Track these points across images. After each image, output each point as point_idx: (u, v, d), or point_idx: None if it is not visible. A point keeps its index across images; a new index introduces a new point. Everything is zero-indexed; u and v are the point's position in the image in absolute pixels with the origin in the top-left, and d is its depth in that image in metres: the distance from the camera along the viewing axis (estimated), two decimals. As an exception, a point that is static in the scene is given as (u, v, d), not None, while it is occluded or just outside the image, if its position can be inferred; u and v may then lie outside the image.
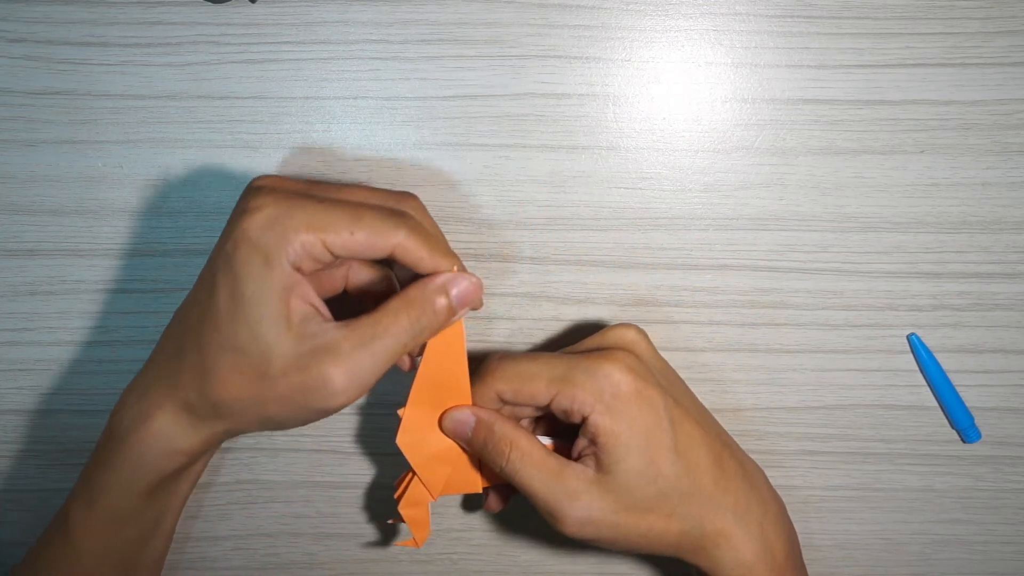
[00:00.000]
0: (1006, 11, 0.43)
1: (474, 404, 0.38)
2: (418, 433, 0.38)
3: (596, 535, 0.37)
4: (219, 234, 0.44)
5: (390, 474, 0.47)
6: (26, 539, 0.47)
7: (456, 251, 0.45)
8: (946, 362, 0.45)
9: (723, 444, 0.39)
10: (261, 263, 0.32)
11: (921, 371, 0.45)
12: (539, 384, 0.37)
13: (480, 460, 0.40)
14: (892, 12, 0.43)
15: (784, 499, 0.41)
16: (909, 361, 0.45)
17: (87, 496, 0.37)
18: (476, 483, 0.40)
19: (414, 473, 0.39)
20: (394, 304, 0.34)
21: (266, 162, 0.44)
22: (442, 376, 0.37)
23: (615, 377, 0.36)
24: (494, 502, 0.42)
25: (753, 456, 0.41)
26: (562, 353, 0.39)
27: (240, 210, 0.34)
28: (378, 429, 0.46)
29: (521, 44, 0.44)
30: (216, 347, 0.33)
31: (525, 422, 0.41)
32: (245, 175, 0.44)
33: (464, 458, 0.40)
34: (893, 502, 0.46)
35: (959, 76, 0.44)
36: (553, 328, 0.45)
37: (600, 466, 0.36)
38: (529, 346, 0.46)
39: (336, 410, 0.34)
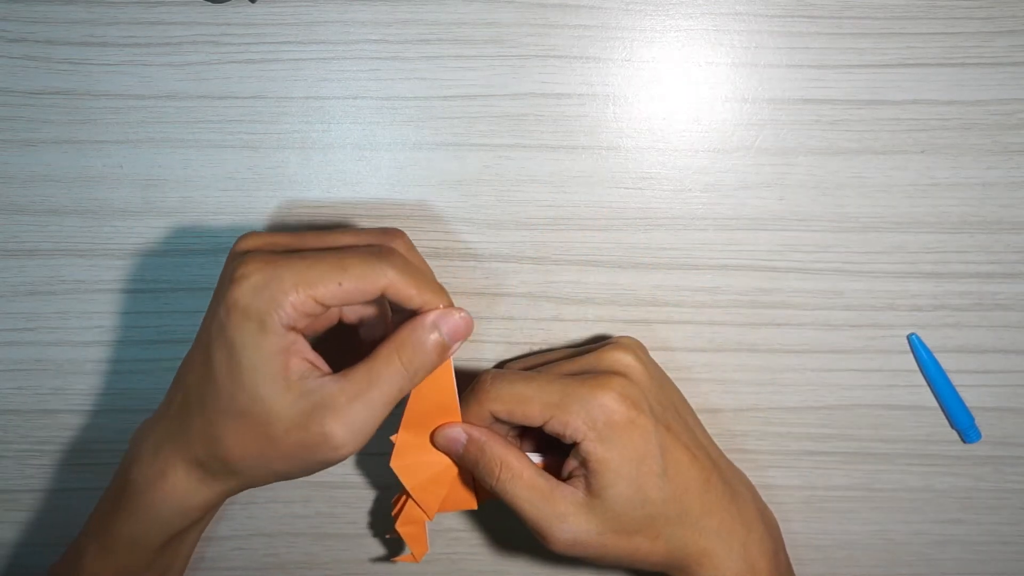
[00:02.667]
0: (1006, 11, 0.43)
1: (466, 421, 0.39)
2: (412, 456, 0.39)
3: (583, 554, 0.38)
4: (219, 234, 0.45)
5: (390, 474, 0.47)
6: (26, 539, 0.47)
7: (456, 251, 0.45)
8: (946, 362, 0.45)
9: (712, 466, 0.40)
10: (255, 330, 0.33)
11: (921, 371, 0.45)
12: (533, 408, 0.37)
13: (473, 476, 0.40)
14: (892, 12, 0.43)
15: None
16: (909, 361, 0.45)
17: (102, 542, 0.38)
18: (471, 501, 0.41)
19: (409, 495, 0.40)
20: (386, 350, 0.35)
21: (266, 162, 0.44)
22: (433, 398, 0.38)
23: (609, 407, 0.37)
24: None
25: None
26: (556, 374, 0.39)
27: (228, 278, 0.34)
28: (378, 429, 0.46)
29: (521, 44, 0.44)
30: (219, 413, 0.34)
31: (515, 432, 0.41)
32: (245, 175, 0.44)
33: (458, 477, 0.40)
34: (893, 502, 0.46)
35: (959, 76, 0.44)
36: (553, 328, 0.45)
37: (590, 489, 0.37)
38: (529, 347, 0.46)
39: (341, 460, 0.35)
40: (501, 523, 0.47)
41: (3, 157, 0.44)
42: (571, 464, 0.38)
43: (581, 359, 0.40)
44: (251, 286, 0.33)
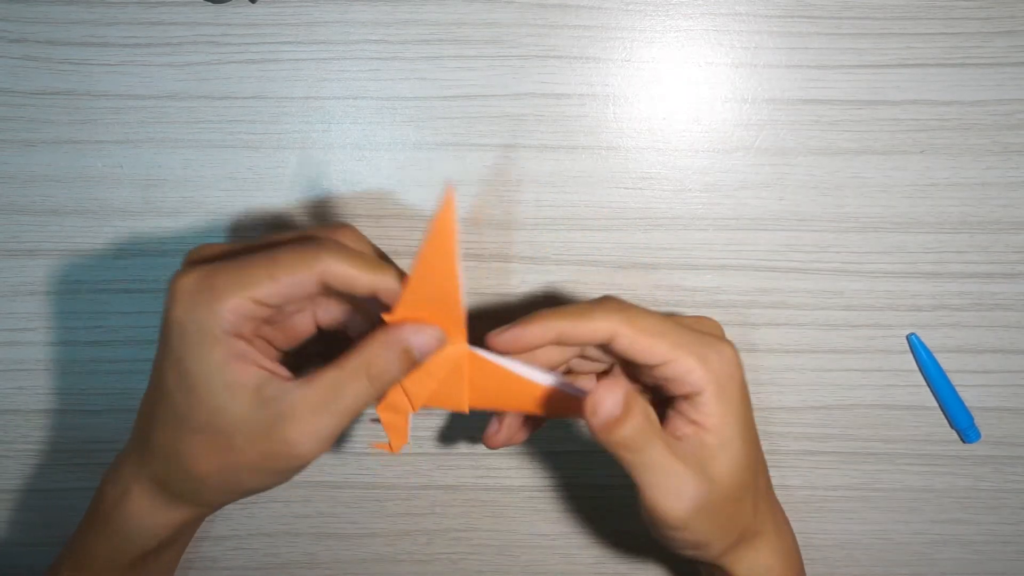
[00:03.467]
0: (1006, 11, 0.43)
1: (561, 341, 0.35)
2: None
3: (697, 524, 0.34)
4: (219, 234, 0.45)
5: (390, 474, 0.47)
6: (26, 539, 0.47)
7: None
8: (946, 362, 0.45)
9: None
10: (198, 343, 0.32)
11: (921, 371, 0.45)
12: (662, 343, 0.34)
13: (471, 381, 0.36)
14: (892, 12, 0.43)
15: (784, 499, 0.41)
16: (909, 361, 0.45)
17: (77, 560, 0.37)
18: (462, 402, 0.36)
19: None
20: (353, 363, 0.33)
21: (266, 162, 0.44)
22: (435, 284, 0.33)
23: (733, 362, 0.35)
24: (497, 435, 0.38)
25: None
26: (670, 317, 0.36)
27: (167, 295, 0.33)
28: (378, 429, 0.46)
29: (521, 44, 0.44)
30: (176, 430, 0.33)
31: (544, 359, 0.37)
32: (245, 175, 0.44)
33: (455, 374, 0.36)
34: (893, 502, 0.46)
35: (959, 76, 0.44)
36: (553, 328, 0.45)
37: (710, 451, 0.34)
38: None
39: (306, 466, 0.34)
40: (501, 523, 0.47)
41: (3, 157, 0.44)
42: (679, 420, 0.35)
43: (680, 317, 0.38)
44: (187, 298, 0.32)
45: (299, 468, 0.33)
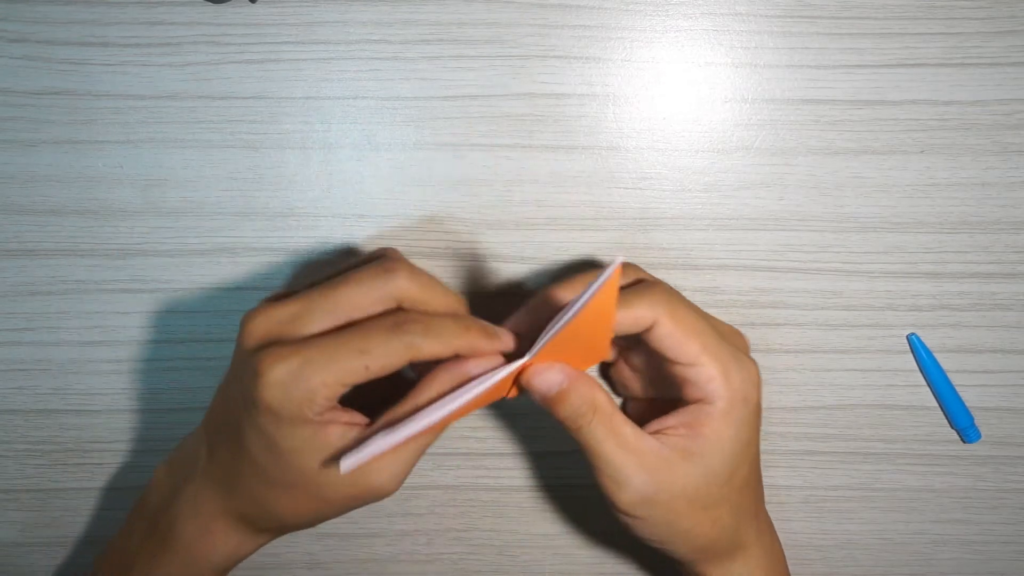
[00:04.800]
0: (1006, 11, 0.43)
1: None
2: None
3: (645, 515, 0.36)
4: (219, 234, 0.45)
5: (390, 474, 0.47)
6: (26, 539, 0.47)
7: (456, 251, 0.45)
8: (946, 362, 0.45)
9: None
10: (292, 423, 0.33)
11: (921, 371, 0.45)
12: (694, 344, 0.35)
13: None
14: (892, 12, 0.43)
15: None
16: (909, 361, 0.45)
17: None
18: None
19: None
20: (424, 407, 0.34)
21: (266, 162, 0.44)
22: (579, 341, 0.34)
23: (753, 381, 0.35)
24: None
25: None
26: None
27: (252, 371, 0.33)
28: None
29: (521, 44, 0.44)
30: (266, 486, 0.35)
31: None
32: (245, 175, 0.44)
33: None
34: (893, 502, 0.46)
35: (959, 76, 0.44)
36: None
37: (687, 452, 0.35)
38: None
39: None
40: (501, 523, 0.47)
41: (3, 157, 0.44)
42: (671, 421, 0.36)
43: (717, 320, 0.39)
44: (279, 386, 0.32)
45: (380, 500, 0.35)
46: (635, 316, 0.35)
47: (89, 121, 0.44)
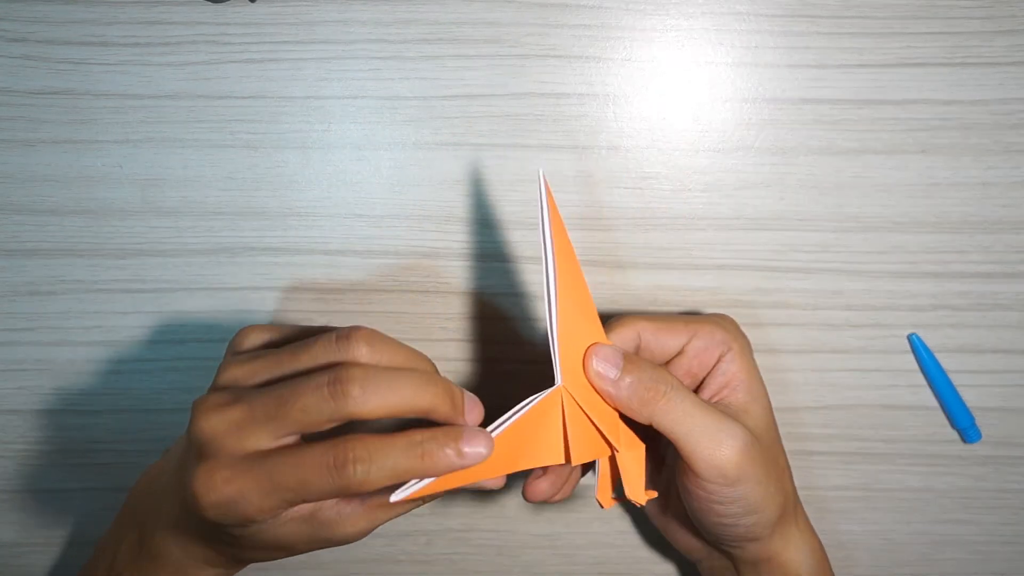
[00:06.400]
0: (1006, 11, 0.43)
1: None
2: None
3: (744, 474, 0.35)
4: (219, 234, 0.45)
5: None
6: (26, 539, 0.47)
7: (456, 251, 0.45)
8: (946, 362, 0.45)
9: None
10: (237, 527, 0.33)
11: (921, 371, 0.45)
12: (678, 324, 0.38)
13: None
14: (892, 12, 0.43)
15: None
16: (909, 361, 0.45)
17: None
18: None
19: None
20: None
21: (266, 162, 0.44)
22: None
23: (739, 331, 0.39)
24: (538, 480, 0.38)
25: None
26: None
27: (190, 487, 0.32)
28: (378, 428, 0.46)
29: (521, 44, 0.44)
30: (238, 548, 0.35)
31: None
32: (245, 175, 0.44)
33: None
34: (893, 502, 0.46)
35: (960, 76, 0.44)
36: (553, 328, 0.45)
37: (742, 411, 0.37)
38: (531, 347, 0.46)
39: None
40: (501, 523, 0.47)
41: (3, 157, 0.44)
42: (712, 385, 0.38)
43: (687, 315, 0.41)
44: (215, 508, 0.32)
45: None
46: (620, 339, 0.38)
47: (88, 121, 0.44)
